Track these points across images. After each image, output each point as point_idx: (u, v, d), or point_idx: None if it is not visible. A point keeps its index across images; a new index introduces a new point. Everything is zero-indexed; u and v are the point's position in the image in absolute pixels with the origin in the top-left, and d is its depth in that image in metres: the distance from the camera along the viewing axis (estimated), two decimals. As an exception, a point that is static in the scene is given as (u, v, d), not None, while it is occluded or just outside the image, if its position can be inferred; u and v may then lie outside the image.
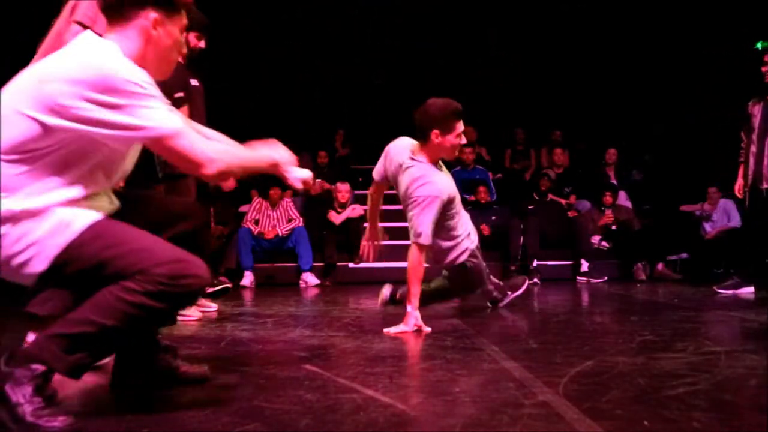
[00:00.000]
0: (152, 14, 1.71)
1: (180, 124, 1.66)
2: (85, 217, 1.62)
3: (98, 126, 1.56)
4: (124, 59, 1.63)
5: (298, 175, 1.99)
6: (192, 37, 3.60)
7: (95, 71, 1.55)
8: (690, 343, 2.59)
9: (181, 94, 3.43)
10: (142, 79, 1.60)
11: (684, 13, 8.48)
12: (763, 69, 4.82)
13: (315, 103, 9.38)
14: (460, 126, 3.28)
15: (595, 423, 1.51)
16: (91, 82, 1.54)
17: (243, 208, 7.31)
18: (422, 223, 3.14)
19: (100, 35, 1.72)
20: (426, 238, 3.14)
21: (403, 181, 3.29)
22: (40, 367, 1.52)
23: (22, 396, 1.48)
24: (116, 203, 1.80)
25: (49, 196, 1.58)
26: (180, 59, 2.77)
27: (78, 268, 1.58)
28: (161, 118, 1.61)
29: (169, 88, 3.30)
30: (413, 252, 3.14)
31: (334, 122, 9.36)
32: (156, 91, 1.63)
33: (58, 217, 1.58)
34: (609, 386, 1.89)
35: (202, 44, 3.72)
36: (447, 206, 3.27)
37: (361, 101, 9.85)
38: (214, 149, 1.71)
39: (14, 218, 1.56)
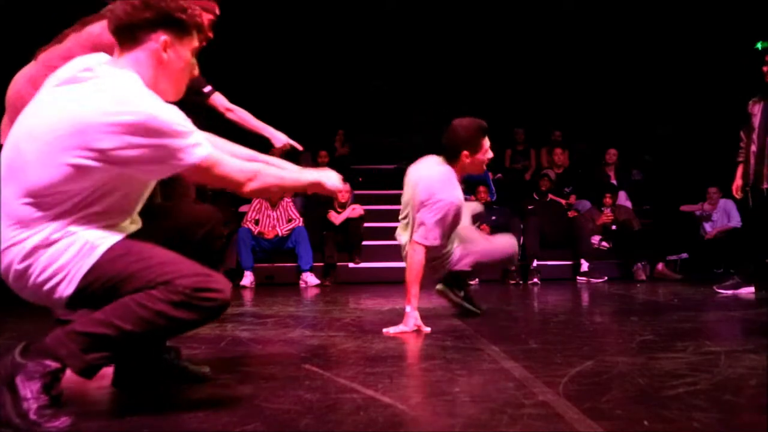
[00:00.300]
0: (163, 37, 1.70)
1: (211, 150, 1.69)
2: (109, 238, 1.65)
3: (139, 164, 1.61)
4: (151, 94, 1.63)
5: (336, 183, 2.03)
6: None
7: (133, 114, 1.56)
8: (690, 343, 2.59)
9: (209, 88, 3.49)
10: (176, 115, 1.62)
11: (683, 13, 8.49)
12: (764, 69, 4.81)
13: (315, 103, 9.39)
14: (487, 142, 3.33)
15: (595, 423, 1.51)
16: (130, 125, 1.55)
17: (243, 208, 7.31)
18: (435, 225, 3.14)
19: None
20: (435, 239, 3.15)
21: (424, 180, 3.24)
22: (52, 364, 1.53)
23: (30, 391, 1.49)
24: (138, 222, 1.82)
25: (74, 227, 1.61)
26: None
27: (104, 286, 1.61)
28: (195, 149, 1.64)
29: (196, 84, 3.34)
30: (417, 252, 3.13)
31: (334, 122, 9.36)
32: (187, 121, 1.65)
33: (82, 239, 1.61)
34: (609, 386, 1.89)
35: (210, 34, 3.74)
36: (457, 216, 3.30)
37: (360, 101, 9.85)
38: (247, 168, 1.76)
39: (40, 248, 1.59)
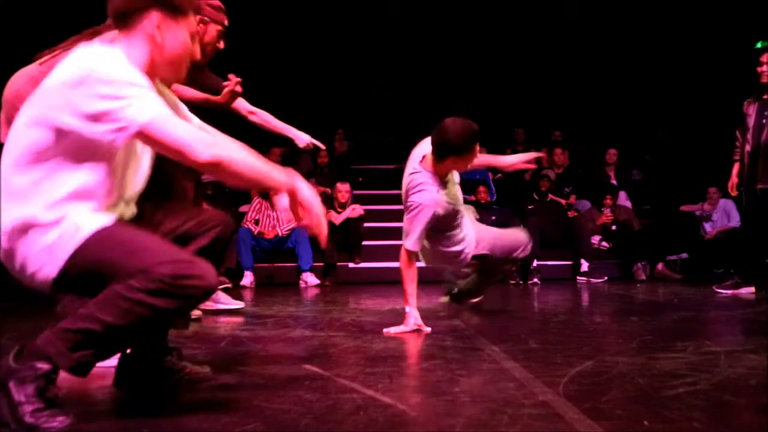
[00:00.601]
0: (155, 17, 1.71)
1: (163, 110, 1.61)
2: (95, 222, 1.63)
3: (88, 121, 1.56)
4: (119, 61, 1.63)
5: (314, 208, 1.80)
6: None
7: (84, 71, 1.57)
8: (690, 343, 2.59)
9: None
10: (128, 75, 1.59)
11: (683, 15, 8.50)
12: (759, 69, 4.84)
13: (315, 104, 9.39)
14: (477, 147, 3.27)
15: (595, 423, 1.51)
16: (79, 81, 1.56)
17: (243, 208, 7.31)
18: (411, 229, 3.18)
19: None
20: (412, 244, 3.17)
21: (405, 185, 3.33)
22: (44, 366, 1.52)
23: (23, 395, 1.49)
24: (132, 209, 1.81)
25: (65, 207, 1.60)
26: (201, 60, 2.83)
27: (86, 271, 1.60)
28: (141, 106, 1.57)
29: (217, 87, 3.40)
30: (402, 254, 3.19)
31: (334, 122, 9.36)
32: (145, 84, 1.62)
33: (68, 222, 1.61)
34: (609, 386, 1.89)
35: (220, 45, 3.79)
36: (445, 219, 3.27)
37: (360, 102, 9.84)
38: (209, 138, 1.66)
39: (31, 227, 1.59)
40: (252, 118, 3.63)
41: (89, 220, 1.62)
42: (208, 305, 3.96)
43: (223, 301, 4.01)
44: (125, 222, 1.72)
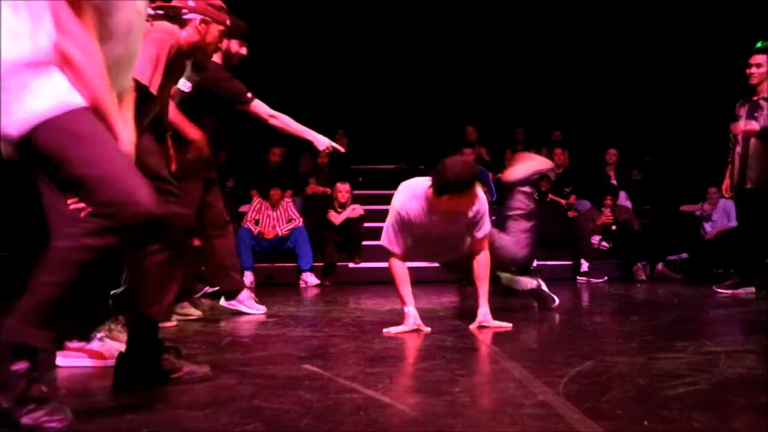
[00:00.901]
0: None
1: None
2: (74, 98, 1.57)
3: None
4: None
5: None
6: (234, 44, 3.72)
7: None
8: (690, 343, 2.59)
9: (250, 95, 3.63)
10: None
11: (683, 16, 8.51)
12: (748, 71, 4.86)
13: (315, 105, 9.39)
14: (475, 189, 3.19)
15: (595, 423, 1.51)
16: None
17: (243, 208, 7.31)
18: (386, 227, 3.19)
19: None
20: (383, 240, 3.18)
21: None
22: (21, 366, 1.48)
23: (9, 401, 1.46)
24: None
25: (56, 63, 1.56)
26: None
27: (45, 152, 1.54)
28: None
29: (240, 92, 3.58)
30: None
31: (334, 123, 9.36)
32: None
33: (53, 86, 1.56)
34: (609, 386, 1.89)
35: (243, 51, 3.84)
36: (415, 228, 3.20)
37: (361, 102, 9.83)
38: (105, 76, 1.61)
39: (20, 69, 1.54)
40: (272, 121, 3.68)
41: (73, 94, 1.57)
42: (233, 305, 3.94)
43: (247, 305, 3.97)
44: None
